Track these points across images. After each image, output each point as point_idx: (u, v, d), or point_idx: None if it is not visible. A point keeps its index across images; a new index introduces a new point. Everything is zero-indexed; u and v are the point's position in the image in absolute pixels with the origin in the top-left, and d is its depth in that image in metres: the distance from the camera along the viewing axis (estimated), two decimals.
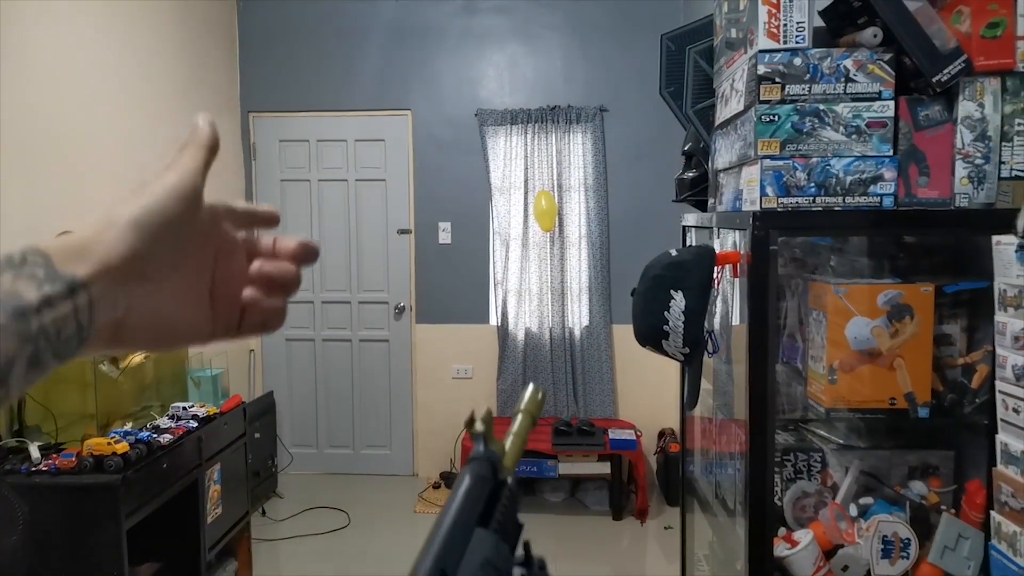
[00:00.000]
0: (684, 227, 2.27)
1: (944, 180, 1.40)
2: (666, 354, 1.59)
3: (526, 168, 4.35)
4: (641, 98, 4.19)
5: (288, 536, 3.77)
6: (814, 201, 1.41)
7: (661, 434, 4.30)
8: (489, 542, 0.34)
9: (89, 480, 2.14)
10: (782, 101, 1.42)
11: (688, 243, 2.20)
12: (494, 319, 4.49)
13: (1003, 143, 1.36)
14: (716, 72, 1.83)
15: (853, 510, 1.49)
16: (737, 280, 1.60)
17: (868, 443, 1.59)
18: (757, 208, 1.43)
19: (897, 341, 1.42)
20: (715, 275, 1.57)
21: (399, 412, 4.59)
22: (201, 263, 0.45)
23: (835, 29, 1.50)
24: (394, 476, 4.57)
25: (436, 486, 4.36)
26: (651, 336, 1.57)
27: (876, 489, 1.53)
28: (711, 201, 1.95)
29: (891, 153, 1.40)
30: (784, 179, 1.41)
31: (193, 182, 0.42)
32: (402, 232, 4.53)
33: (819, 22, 1.49)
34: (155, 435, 2.41)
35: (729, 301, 1.79)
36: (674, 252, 1.60)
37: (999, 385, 1.21)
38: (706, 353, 1.64)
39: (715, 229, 1.85)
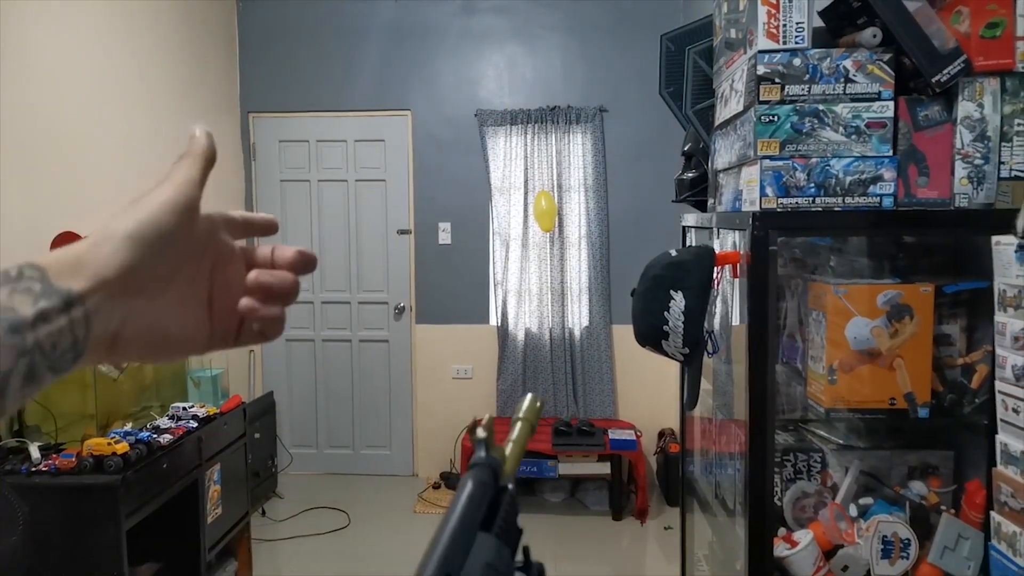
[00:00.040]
0: (684, 227, 2.27)
1: (944, 180, 1.40)
2: (666, 354, 1.60)
3: (526, 168, 4.35)
4: (641, 98, 4.19)
5: (288, 536, 3.77)
6: (814, 201, 1.41)
7: (661, 434, 4.30)
8: (491, 546, 0.35)
9: (89, 480, 2.15)
10: (782, 101, 1.42)
11: (688, 243, 2.20)
12: (494, 319, 4.49)
13: (1002, 143, 1.36)
14: (716, 72, 1.83)
15: (853, 510, 1.49)
16: (737, 280, 1.60)
17: (868, 443, 1.59)
18: (757, 208, 1.43)
19: (897, 341, 1.42)
20: (715, 275, 1.57)
21: (399, 412, 4.60)
22: (198, 274, 0.45)
23: (834, 29, 1.50)
24: (394, 476, 4.57)
25: (436, 486, 4.36)
26: (651, 336, 1.57)
27: (876, 489, 1.54)
28: (711, 201, 1.95)
29: (891, 153, 1.40)
30: (784, 179, 1.41)
31: (189, 195, 0.42)
32: (402, 232, 4.53)
33: (818, 22, 1.49)
34: (155, 435, 2.41)
35: (729, 301, 1.79)
36: (674, 252, 1.60)
37: (999, 385, 1.22)
38: (706, 353, 1.64)
39: (715, 229, 1.85)
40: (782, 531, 1.50)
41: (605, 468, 3.94)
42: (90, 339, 0.38)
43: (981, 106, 1.36)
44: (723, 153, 1.75)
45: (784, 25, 1.41)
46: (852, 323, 1.42)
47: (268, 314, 0.46)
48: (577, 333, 4.40)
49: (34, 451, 2.23)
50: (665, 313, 1.53)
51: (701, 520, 2.19)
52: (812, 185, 1.41)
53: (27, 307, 0.35)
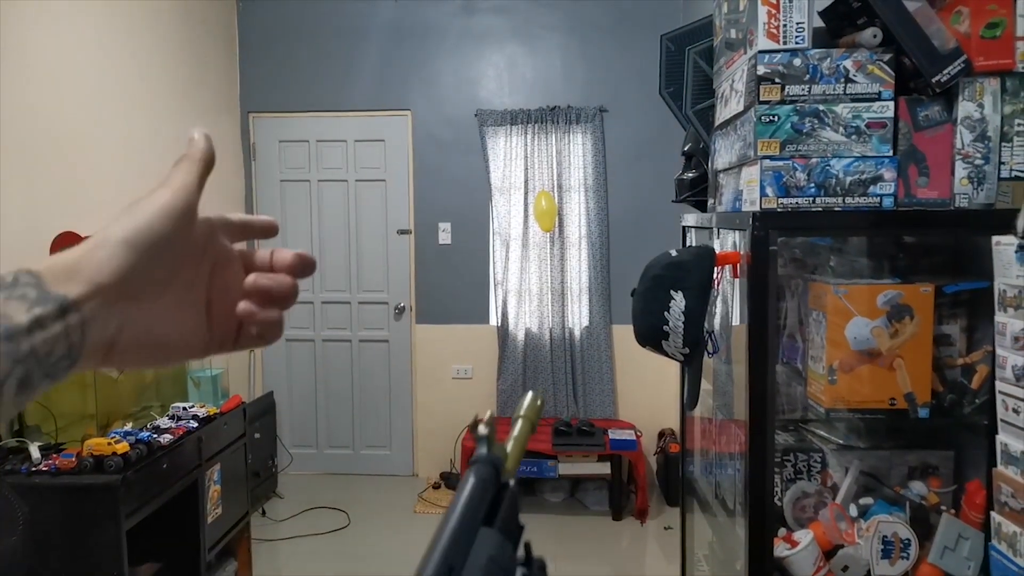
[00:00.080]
0: (684, 227, 2.27)
1: (944, 180, 1.40)
2: (666, 354, 1.59)
3: (526, 168, 4.35)
4: (641, 98, 4.19)
5: (288, 536, 3.77)
6: (814, 201, 1.41)
7: (661, 434, 4.30)
8: (494, 541, 0.35)
9: (89, 480, 2.15)
10: (782, 102, 1.42)
11: (688, 243, 2.20)
12: (494, 319, 4.49)
13: (1003, 143, 1.36)
14: (716, 72, 1.83)
15: (853, 510, 1.49)
16: (737, 280, 1.60)
17: (868, 443, 1.59)
18: (757, 208, 1.43)
19: (897, 341, 1.42)
20: (715, 275, 1.57)
21: (399, 412, 4.60)
22: (196, 278, 0.45)
23: (835, 29, 1.50)
24: (394, 476, 4.57)
25: (436, 486, 4.36)
26: (651, 336, 1.57)
27: (876, 489, 1.54)
28: (711, 201, 1.95)
29: (891, 153, 1.40)
30: (784, 179, 1.41)
31: (187, 199, 0.41)
32: (402, 232, 4.53)
33: (819, 22, 1.49)
34: (155, 435, 2.41)
35: (729, 301, 1.79)
36: (674, 252, 1.60)
37: (999, 385, 1.22)
38: (706, 353, 1.64)
39: (715, 229, 1.85)
40: (782, 531, 1.50)
41: (605, 468, 3.94)
42: (86, 345, 0.38)
43: (981, 106, 1.36)
44: (723, 153, 1.75)
45: (784, 25, 1.41)
46: (852, 323, 1.42)
47: (266, 318, 0.46)
48: (577, 333, 4.40)
49: (34, 451, 2.23)
50: (665, 313, 1.53)
51: (701, 520, 2.18)
52: (812, 185, 1.41)
53: (22, 314, 0.35)
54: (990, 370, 1.29)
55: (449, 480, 4.40)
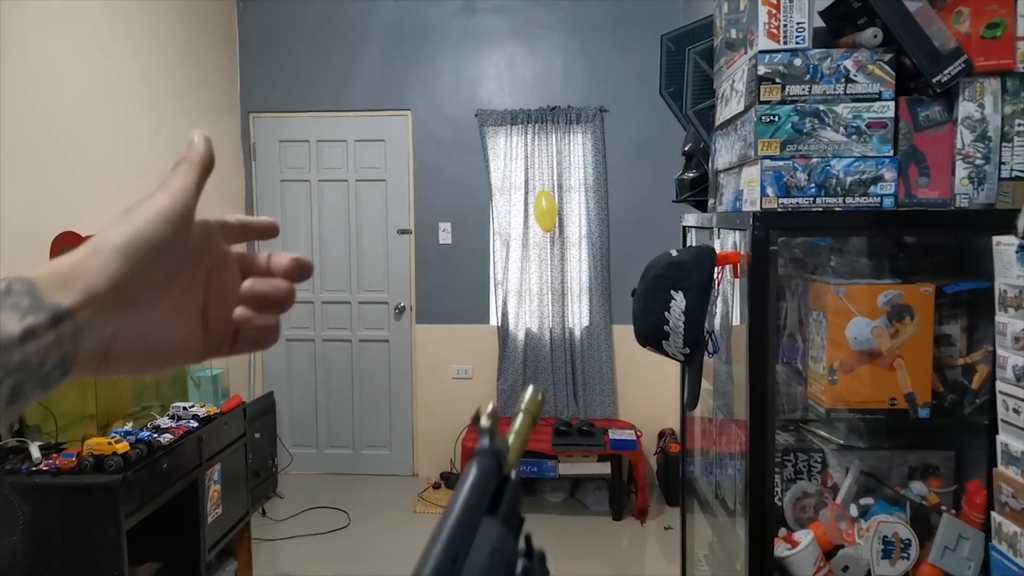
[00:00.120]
0: (684, 227, 2.27)
1: (944, 180, 1.40)
2: (666, 354, 1.59)
3: (526, 168, 4.35)
4: (641, 98, 4.19)
5: (288, 536, 3.77)
6: (814, 202, 1.41)
7: (661, 434, 4.30)
8: (497, 531, 0.35)
9: (89, 480, 2.15)
10: (782, 102, 1.42)
11: (688, 243, 2.20)
12: (494, 319, 4.49)
13: (1003, 143, 1.36)
14: (716, 72, 1.83)
15: (853, 510, 1.49)
16: (737, 280, 1.60)
17: (868, 443, 1.59)
18: (757, 208, 1.43)
19: (897, 341, 1.42)
20: (715, 275, 1.57)
21: (399, 412, 4.60)
22: (193, 281, 0.44)
23: (835, 29, 1.50)
24: (394, 476, 4.57)
25: (436, 486, 4.36)
26: (651, 336, 1.57)
27: (876, 489, 1.54)
28: (711, 201, 1.95)
29: (891, 154, 1.40)
30: (784, 179, 1.41)
31: (184, 204, 0.41)
32: (402, 232, 4.53)
33: (819, 23, 1.49)
34: (155, 435, 2.41)
35: (729, 301, 1.79)
36: (674, 252, 1.60)
37: (999, 386, 1.22)
38: (706, 353, 1.64)
39: (715, 229, 1.85)
40: (782, 531, 1.50)
41: (605, 468, 3.94)
42: (79, 354, 0.37)
43: (982, 106, 1.36)
44: (723, 153, 1.75)
45: (785, 25, 1.41)
46: (852, 323, 1.42)
47: (262, 323, 0.45)
48: (577, 333, 4.40)
49: (34, 451, 2.23)
50: (666, 313, 1.53)
51: (701, 520, 2.18)
52: (813, 185, 1.41)
53: (14, 324, 0.34)
54: (990, 370, 1.29)
55: (449, 480, 4.40)
